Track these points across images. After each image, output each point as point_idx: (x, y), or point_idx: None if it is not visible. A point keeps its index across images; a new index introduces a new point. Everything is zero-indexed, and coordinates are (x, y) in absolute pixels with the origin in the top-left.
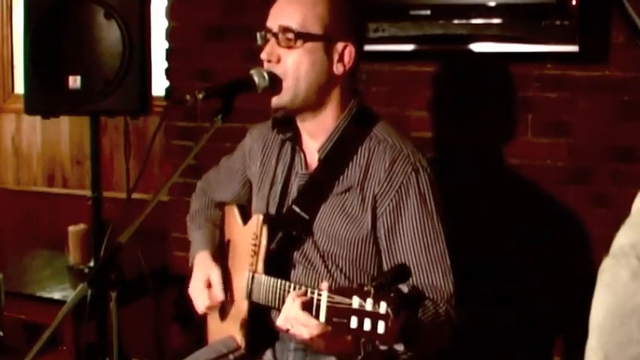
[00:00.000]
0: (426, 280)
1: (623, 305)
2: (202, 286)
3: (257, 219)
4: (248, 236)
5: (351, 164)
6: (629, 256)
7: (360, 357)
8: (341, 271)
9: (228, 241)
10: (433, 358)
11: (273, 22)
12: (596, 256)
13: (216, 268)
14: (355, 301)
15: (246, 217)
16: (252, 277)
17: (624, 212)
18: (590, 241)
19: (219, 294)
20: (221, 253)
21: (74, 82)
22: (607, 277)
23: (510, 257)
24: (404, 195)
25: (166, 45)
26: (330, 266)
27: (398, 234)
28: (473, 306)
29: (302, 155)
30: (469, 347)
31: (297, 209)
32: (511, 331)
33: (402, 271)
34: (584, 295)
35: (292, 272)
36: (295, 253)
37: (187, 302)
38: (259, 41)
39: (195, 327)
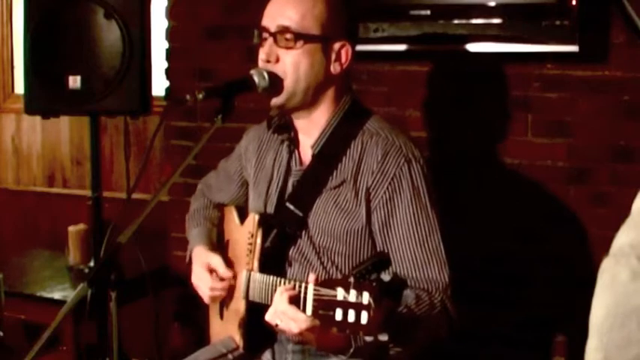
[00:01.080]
0: (422, 274)
1: (623, 305)
2: (205, 274)
3: (252, 218)
4: (244, 235)
5: (344, 158)
6: (629, 256)
7: (351, 350)
8: (337, 267)
9: (227, 241)
10: (432, 357)
11: (271, 21)
12: (596, 256)
13: (215, 254)
14: (340, 293)
15: (243, 217)
16: (249, 276)
17: (624, 212)
18: (590, 241)
19: (225, 272)
20: (220, 253)
21: (74, 82)
22: (607, 277)
23: (510, 257)
24: (397, 187)
25: (166, 45)
26: (325, 262)
27: (392, 228)
28: (473, 306)
29: (297, 152)
30: (469, 347)
31: (290, 206)
32: (511, 331)
33: (382, 258)
34: (584, 295)
35: (289, 270)
36: (291, 251)
37: (188, 302)
38: (255, 39)
39: (195, 327)
